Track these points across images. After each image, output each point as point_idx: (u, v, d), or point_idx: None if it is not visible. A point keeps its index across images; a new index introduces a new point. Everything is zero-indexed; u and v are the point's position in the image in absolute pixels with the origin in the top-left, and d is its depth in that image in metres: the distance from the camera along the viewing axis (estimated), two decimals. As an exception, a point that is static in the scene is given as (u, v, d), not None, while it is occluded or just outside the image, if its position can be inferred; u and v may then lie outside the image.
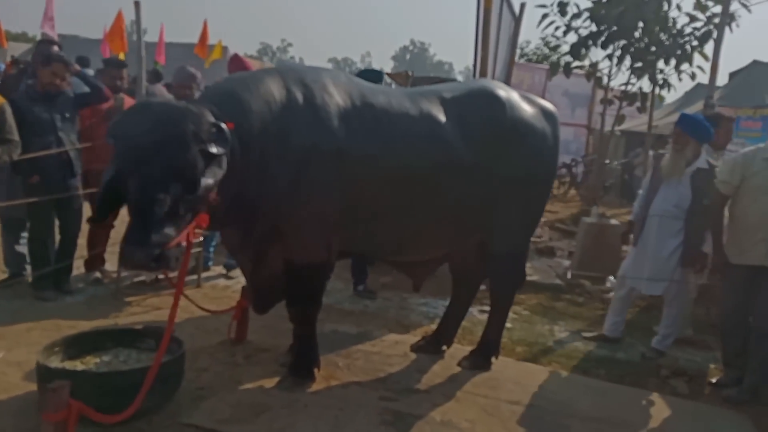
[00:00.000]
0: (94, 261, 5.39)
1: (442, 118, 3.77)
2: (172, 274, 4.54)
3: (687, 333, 5.13)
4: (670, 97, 13.76)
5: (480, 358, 4.25)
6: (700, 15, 8.89)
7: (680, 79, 9.49)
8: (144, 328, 3.77)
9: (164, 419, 3.21)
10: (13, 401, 3.29)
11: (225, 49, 19.84)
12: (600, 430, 3.57)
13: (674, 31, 9.09)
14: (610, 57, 9.58)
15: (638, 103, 9.96)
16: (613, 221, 7.14)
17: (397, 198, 3.66)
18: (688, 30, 9.02)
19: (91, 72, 8.06)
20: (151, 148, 2.77)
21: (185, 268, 3.35)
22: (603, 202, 10.18)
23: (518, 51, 13.18)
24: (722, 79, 13.82)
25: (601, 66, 10.00)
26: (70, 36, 25.43)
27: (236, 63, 5.82)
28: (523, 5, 8.15)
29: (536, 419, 3.61)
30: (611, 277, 6.36)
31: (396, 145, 3.58)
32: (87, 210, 5.24)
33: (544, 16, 9.49)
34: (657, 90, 9.79)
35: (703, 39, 8.92)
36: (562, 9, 9.39)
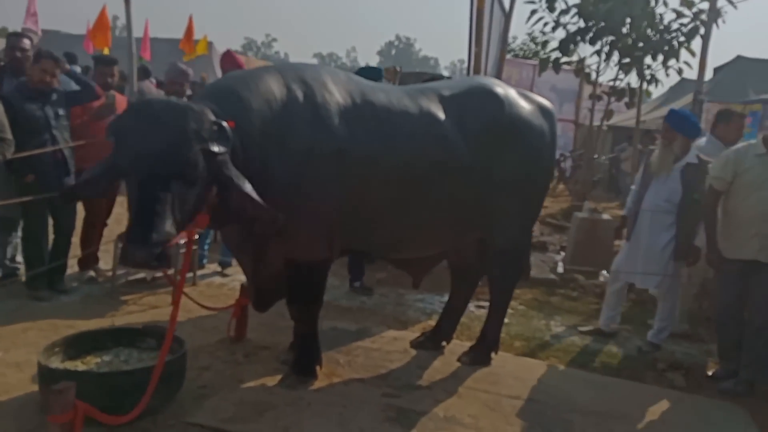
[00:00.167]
0: (88, 259, 5.35)
1: (442, 116, 3.78)
2: (171, 272, 4.54)
3: (683, 327, 5.19)
4: (655, 92, 13.90)
5: (480, 354, 4.27)
6: (686, 11, 8.97)
7: (668, 75, 9.55)
8: (144, 327, 3.75)
9: (168, 419, 3.19)
10: (14, 402, 3.26)
11: (210, 44, 19.76)
12: (602, 424, 3.61)
13: (661, 27, 9.16)
14: (598, 53, 9.64)
15: (626, 99, 10.05)
16: (606, 216, 7.20)
17: (398, 196, 3.66)
18: (674, 26, 9.10)
19: (78, 69, 7.99)
20: (152, 146, 2.75)
21: (186, 267, 3.35)
22: (590, 197, 10.24)
23: (506, 47, 13.20)
24: (706, 74, 13.93)
25: (589, 62, 10.07)
26: (52, 31, 25.09)
27: (229, 59, 5.80)
28: (512, 1, 8.18)
29: (538, 414, 3.64)
30: (604, 272, 6.42)
31: (396, 143, 3.58)
32: (80, 209, 5.21)
33: (533, 12, 9.53)
34: (645, 85, 9.87)
35: (689, 35, 9.01)
36: (551, 5, 9.42)
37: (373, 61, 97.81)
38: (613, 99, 9.91)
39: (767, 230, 4.16)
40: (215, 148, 2.86)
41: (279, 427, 3.21)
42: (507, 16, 8.17)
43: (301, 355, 3.81)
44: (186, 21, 15.61)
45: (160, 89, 7.81)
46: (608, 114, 9.98)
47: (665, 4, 9.14)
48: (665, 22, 9.13)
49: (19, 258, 5.06)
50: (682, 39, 9.09)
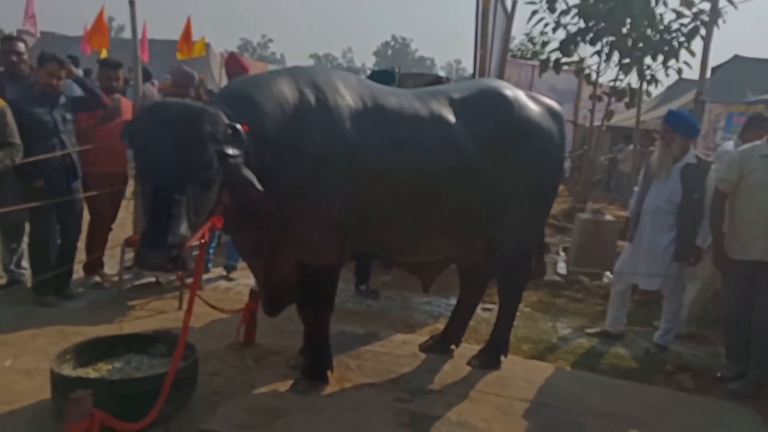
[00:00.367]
0: (93, 265, 5.32)
1: (452, 119, 3.78)
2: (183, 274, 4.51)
3: (690, 328, 5.20)
4: (653, 92, 13.92)
5: (489, 357, 4.27)
6: (686, 11, 9.01)
7: (667, 75, 9.61)
8: (154, 333, 3.74)
9: (181, 425, 3.18)
10: (27, 410, 3.23)
11: (208, 45, 19.72)
12: (614, 427, 3.61)
13: (661, 28, 9.20)
14: (598, 53, 9.68)
15: (626, 99, 10.07)
16: (608, 217, 7.21)
17: (408, 199, 3.66)
18: (675, 26, 9.14)
19: (80, 72, 7.95)
20: (167, 148, 2.75)
21: (200, 271, 3.34)
22: (590, 197, 10.26)
23: (505, 47, 13.20)
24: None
25: (589, 62, 10.10)
26: (48, 33, 25.06)
27: (234, 62, 5.79)
28: (515, 2, 8.18)
29: (550, 417, 3.64)
30: (608, 273, 6.43)
31: (407, 147, 3.58)
32: (86, 214, 5.19)
33: (534, 12, 9.55)
34: (645, 86, 9.90)
35: (689, 35, 9.05)
36: (552, 5, 9.46)
37: (369, 62, 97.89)
38: (613, 99, 9.94)
39: (773, 231, 4.17)
40: (230, 151, 2.86)
41: (293, 433, 3.20)
42: (509, 17, 8.16)
43: (312, 360, 3.81)
44: (182, 22, 15.58)
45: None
46: (609, 114, 10.00)
47: (665, 4, 9.20)
48: (665, 22, 9.18)
49: (25, 264, 5.03)
50: (682, 39, 9.13)
